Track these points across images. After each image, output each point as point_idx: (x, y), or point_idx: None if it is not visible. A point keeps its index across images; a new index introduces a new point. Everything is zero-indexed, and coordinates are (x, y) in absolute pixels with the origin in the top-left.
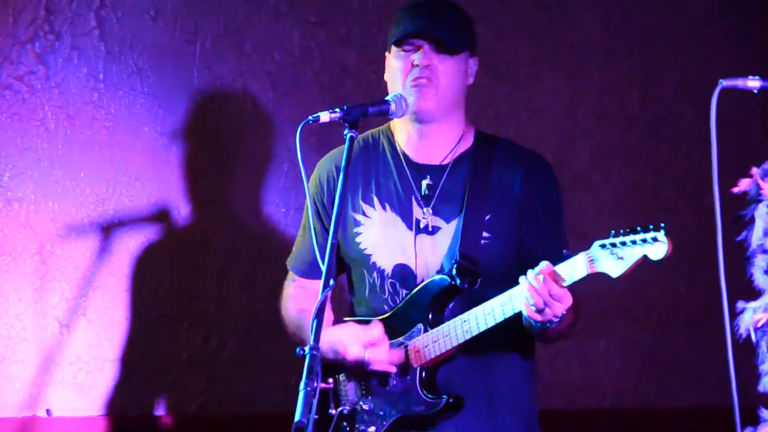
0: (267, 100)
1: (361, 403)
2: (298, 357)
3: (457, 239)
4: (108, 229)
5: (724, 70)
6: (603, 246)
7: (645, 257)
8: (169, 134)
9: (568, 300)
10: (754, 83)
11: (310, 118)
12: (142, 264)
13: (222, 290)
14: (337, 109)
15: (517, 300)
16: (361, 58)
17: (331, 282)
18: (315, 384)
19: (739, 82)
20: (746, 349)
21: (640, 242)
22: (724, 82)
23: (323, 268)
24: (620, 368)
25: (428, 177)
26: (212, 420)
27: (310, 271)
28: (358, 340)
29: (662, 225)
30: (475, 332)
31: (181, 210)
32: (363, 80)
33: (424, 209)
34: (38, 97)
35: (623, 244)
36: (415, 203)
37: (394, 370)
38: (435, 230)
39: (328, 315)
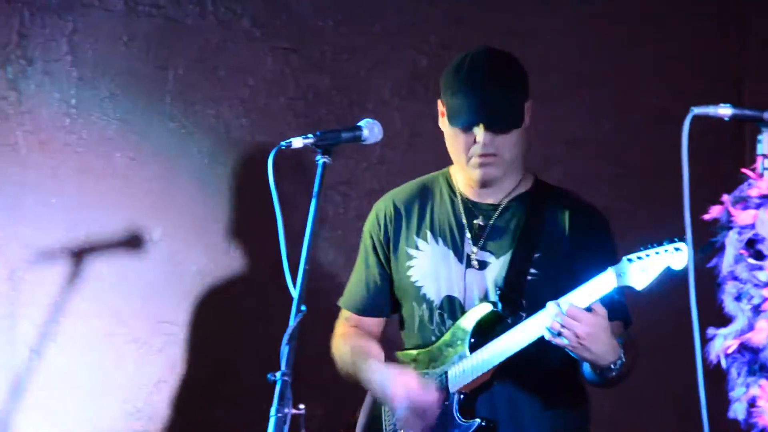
0: (240, 126)
1: (403, 430)
2: (268, 383)
3: (503, 272)
4: (79, 255)
5: (696, 97)
6: (630, 260)
7: (668, 268)
8: (140, 160)
9: (587, 320)
10: (725, 111)
11: (282, 143)
12: (113, 289)
13: (193, 315)
14: (310, 135)
15: (538, 324)
16: (334, 84)
17: (303, 308)
18: (286, 410)
19: (711, 110)
20: (717, 375)
21: (663, 252)
22: (696, 110)
23: (294, 294)
24: (591, 395)
25: (482, 214)
26: None
27: (364, 308)
28: (409, 400)
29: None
30: (504, 356)
31: (153, 235)
32: (336, 106)
33: (476, 245)
34: (10, 123)
35: (648, 255)
36: (467, 239)
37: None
38: (484, 265)
39: (378, 349)
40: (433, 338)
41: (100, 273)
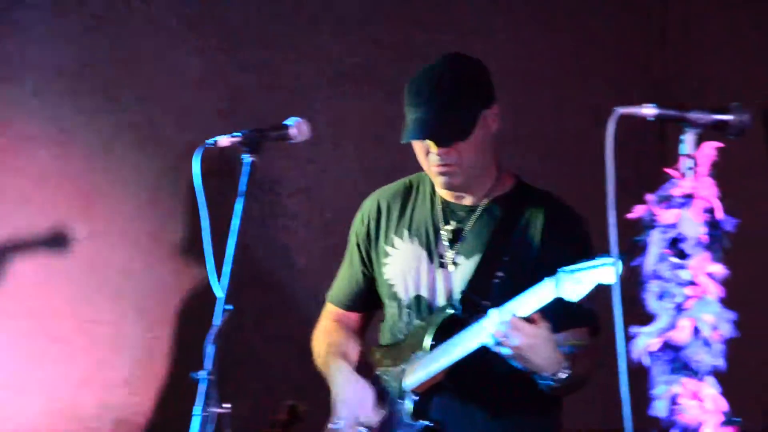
0: (166, 124)
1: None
2: (193, 382)
3: (470, 274)
4: (2, 254)
5: (620, 97)
6: (565, 272)
7: (599, 283)
8: (65, 158)
9: (527, 331)
10: (649, 111)
11: (209, 141)
12: (37, 289)
13: (117, 313)
14: (237, 133)
15: (483, 331)
16: (260, 82)
17: (229, 307)
18: (211, 409)
19: (635, 110)
20: (639, 373)
21: (596, 267)
22: (621, 110)
23: (220, 294)
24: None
25: (458, 217)
26: None
27: (347, 303)
28: (353, 417)
29: (622, 255)
30: (453, 359)
31: (78, 233)
32: (263, 104)
33: (451, 247)
34: None
35: (582, 270)
36: (441, 240)
37: None
38: (455, 267)
39: (354, 347)
40: (400, 336)
41: (23, 272)
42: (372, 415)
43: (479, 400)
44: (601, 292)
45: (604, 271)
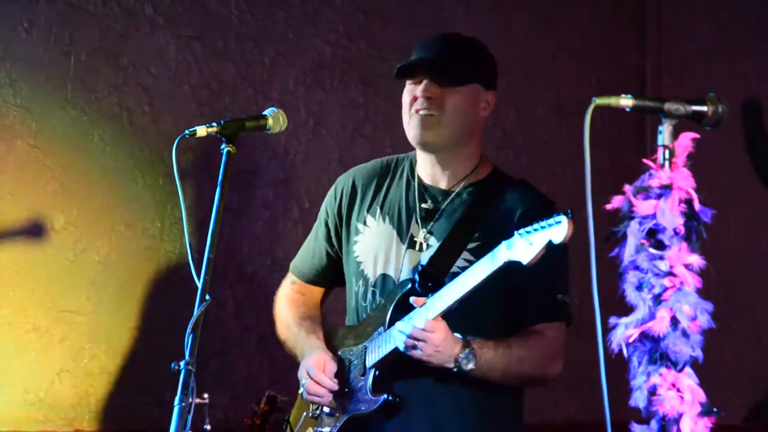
0: (143, 114)
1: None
2: (172, 372)
3: (435, 251)
4: None
5: (598, 88)
6: (520, 234)
7: (550, 241)
8: (42, 147)
9: (432, 340)
10: (626, 102)
11: (186, 132)
12: (14, 278)
13: (95, 304)
14: (214, 123)
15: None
16: (238, 73)
17: (207, 297)
18: (190, 399)
19: (612, 101)
20: (618, 364)
21: (547, 226)
22: (597, 100)
23: (199, 284)
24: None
25: (433, 198)
26: None
27: (309, 277)
28: (311, 378)
29: (569, 211)
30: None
31: (54, 223)
32: (240, 95)
33: (423, 229)
34: None
35: (535, 230)
36: (414, 221)
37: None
38: (424, 248)
39: (320, 325)
40: (364, 315)
41: (0, 262)
42: (325, 378)
43: (440, 376)
44: (578, 285)
45: (554, 230)
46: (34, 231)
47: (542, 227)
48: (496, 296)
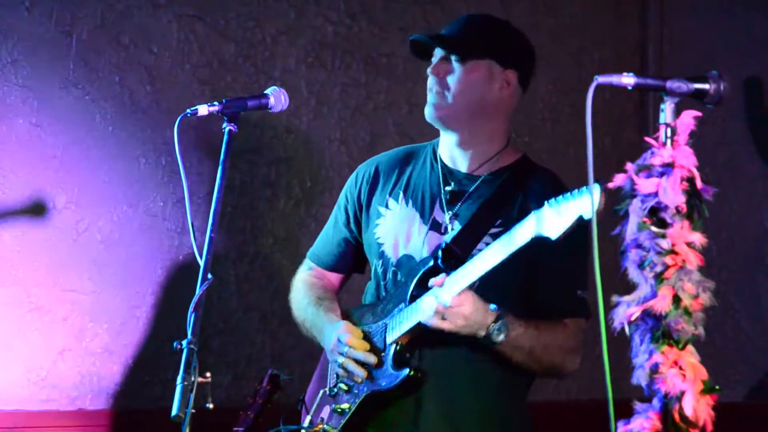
0: (144, 93)
1: (343, 381)
2: (174, 351)
3: (458, 232)
4: None
5: (599, 65)
6: (549, 204)
7: (580, 217)
8: (43, 127)
9: (464, 306)
10: (628, 80)
11: (188, 111)
12: (17, 257)
13: (97, 283)
14: (216, 102)
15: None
16: (239, 52)
17: (209, 276)
18: (192, 378)
19: (614, 79)
20: (620, 342)
21: (578, 194)
22: (599, 79)
23: (201, 263)
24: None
25: (457, 182)
26: (87, 415)
27: (327, 263)
28: (342, 351)
29: (600, 182)
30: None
31: (56, 202)
32: (241, 73)
33: (447, 213)
34: None
35: (566, 198)
36: (438, 205)
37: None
38: (447, 230)
39: (336, 306)
40: (384, 294)
41: (2, 241)
42: (360, 348)
43: (458, 353)
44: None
45: (583, 201)
46: (36, 210)
47: (573, 196)
48: (514, 274)
